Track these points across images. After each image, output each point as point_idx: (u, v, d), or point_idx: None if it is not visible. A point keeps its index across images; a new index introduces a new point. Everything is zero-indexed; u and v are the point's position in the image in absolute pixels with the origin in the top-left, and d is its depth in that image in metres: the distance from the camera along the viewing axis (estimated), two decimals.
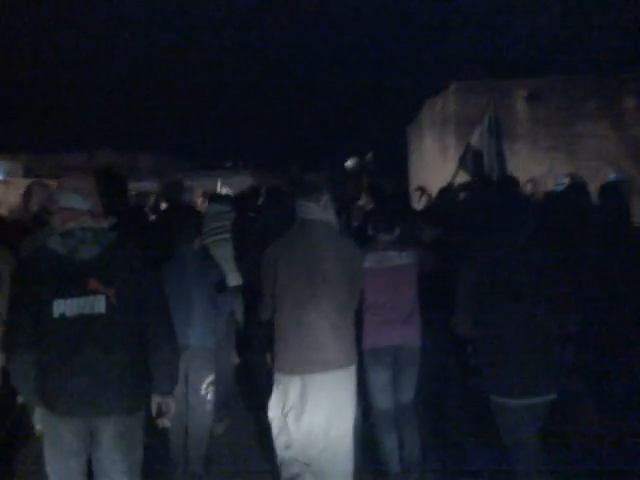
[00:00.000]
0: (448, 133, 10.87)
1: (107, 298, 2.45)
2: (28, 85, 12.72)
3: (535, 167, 9.47)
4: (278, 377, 3.19)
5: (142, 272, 2.56)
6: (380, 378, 3.79)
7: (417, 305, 3.82)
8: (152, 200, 7.77)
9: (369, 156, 11.35)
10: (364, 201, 6.38)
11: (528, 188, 6.90)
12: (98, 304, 2.44)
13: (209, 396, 3.91)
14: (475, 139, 6.62)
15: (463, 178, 6.52)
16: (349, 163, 11.37)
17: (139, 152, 20.63)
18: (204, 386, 3.89)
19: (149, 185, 11.55)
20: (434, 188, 6.80)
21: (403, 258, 3.83)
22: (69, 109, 13.98)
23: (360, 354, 3.50)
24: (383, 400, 3.79)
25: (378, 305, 3.76)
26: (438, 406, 4.51)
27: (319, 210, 3.10)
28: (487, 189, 4.97)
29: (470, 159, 6.59)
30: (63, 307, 2.41)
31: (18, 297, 2.47)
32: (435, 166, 11.50)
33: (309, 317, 3.05)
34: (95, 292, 2.44)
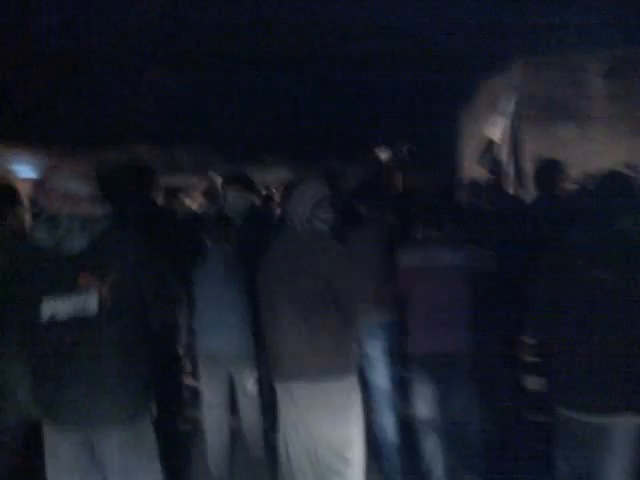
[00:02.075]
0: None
1: (100, 295, 2.21)
2: (62, 78, 12.65)
3: (613, 155, 8.36)
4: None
5: (142, 263, 2.26)
6: (424, 387, 3.61)
7: (468, 309, 3.61)
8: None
9: (406, 146, 10.48)
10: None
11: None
12: (91, 302, 2.22)
13: (256, 393, 3.85)
14: (494, 130, 6.09)
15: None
16: (382, 155, 10.49)
17: (177, 146, 20.58)
18: (250, 385, 3.82)
19: (185, 179, 11.50)
20: None
21: (454, 257, 3.59)
22: (105, 102, 13.87)
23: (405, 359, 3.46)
24: (426, 410, 3.63)
25: (425, 309, 3.57)
26: (488, 420, 4.15)
27: (303, 215, 2.98)
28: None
29: (489, 155, 6.09)
30: (53, 308, 2.20)
31: (6, 301, 2.28)
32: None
33: (281, 326, 2.96)
34: (87, 288, 2.21)
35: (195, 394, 4.56)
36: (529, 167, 5.90)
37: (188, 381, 4.59)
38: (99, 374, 2.23)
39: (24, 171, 12.05)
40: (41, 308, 2.19)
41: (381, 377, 4.08)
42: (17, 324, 2.25)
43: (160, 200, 5.31)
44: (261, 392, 3.99)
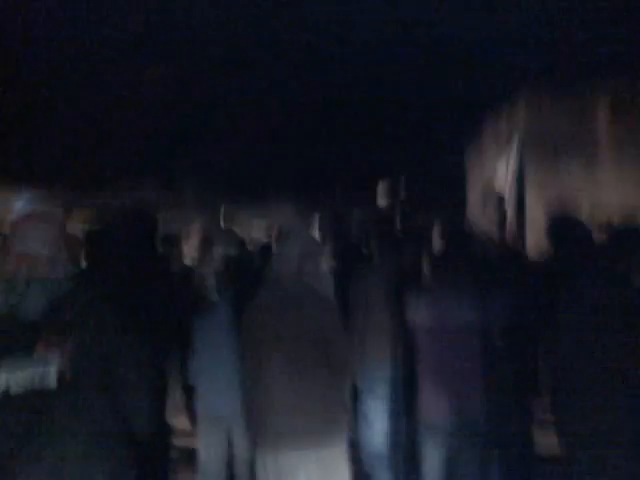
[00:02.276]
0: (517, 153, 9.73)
1: (58, 368, 1.96)
2: (70, 119, 12.63)
3: (621, 191, 7.55)
4: None
5: (105, 329, 2.05)
6: (432, 456, 3.33)
7: (483, 370, 3.32)
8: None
9: (401, 181, 10.00)
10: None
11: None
12: (48, 377, 1.96)
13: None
14: (497, 181, 5.85)
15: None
16: (380, 190, 9.93)
17: (182, 184, 20.53)
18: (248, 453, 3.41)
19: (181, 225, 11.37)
20: None
21: (467, 313, 3.29)
22: (114, 142, 13.80)
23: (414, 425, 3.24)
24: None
25: (435, 369, 3.30)
26: None
27: (289, 268, 2.85)
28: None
29: (493, 203, 5.87)
30: (6, 382, 1.95)
31: None
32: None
33: (265, 388, 2.77)
34: (45, 358, 1.96)
35: (189, 456, 4.26)
36: (537, 217, 5.64)
37: (182, 442, 4.27)
38: (58, 458, 1.94)
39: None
40: None
41: (378, 440, 3.79)
42: None
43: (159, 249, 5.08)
44: None
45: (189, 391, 3.65)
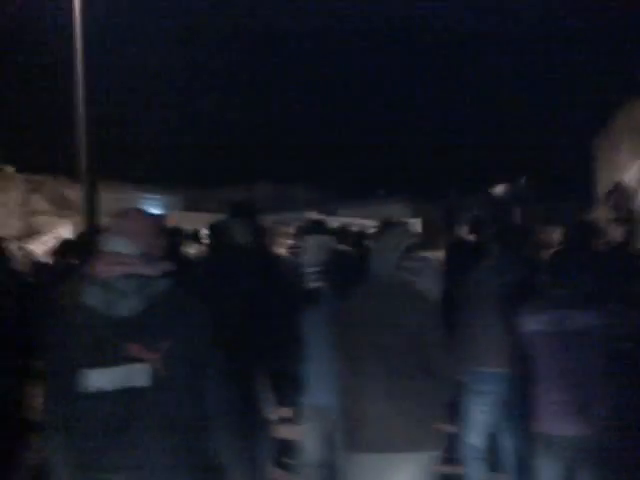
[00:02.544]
0: None
1: (153, 367, 1.92)
2: (191, 121, 13.33)
3: None
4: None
5: (201, 332, 1.99)
6: (549, 472, 3.00)
7: (607, 383, 2.95)
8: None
9: (522, 180, 9.53)
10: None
11: None
12: (140, 375, 1.93)
13: None
14: (633, 177, 5.31)
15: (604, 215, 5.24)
16: (497, 190, 9.60)
17: (294, 184, 21.00)
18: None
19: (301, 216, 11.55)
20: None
21: (588, 318, 2.94)
22: (229, 144, 14.42)
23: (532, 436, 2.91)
24: None
25: (553, 380, 2.95)
26: None
27: (389, 263, 2.73)
28: None
29: (622, 200, 5.33)
30: (99, 379, 1.94)
31: (50, 367, 2.02)
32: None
33: (360, 386, 2.64)
34: (137, 359, 1.93)
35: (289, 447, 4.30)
36: None
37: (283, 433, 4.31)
38: (151, 457, 1.93)
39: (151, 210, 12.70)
40: (84, 377, 1.95)
41: (480, 438, 3.67)
42: (57, 393, 2.00)
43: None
44: None
45: (294, 382, 3.64)
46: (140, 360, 1.92)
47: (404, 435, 2.55)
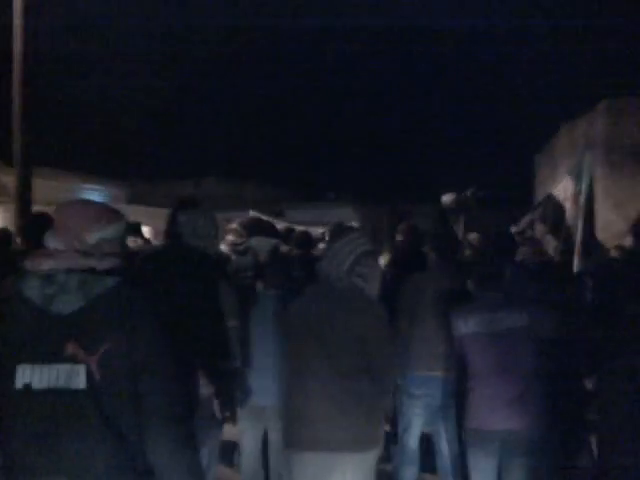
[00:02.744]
0: (594, 162, 9.26)
1: (88, 369, 1.81)
2: (139, 114, 13.03)
3: None
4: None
5: (143, 333, 1.86)
6: (480, 465, 3.17)
7: (534, 380, 3.14)
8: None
9: (470, 190, 9.89)
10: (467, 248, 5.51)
11: None
12: (76, 376, 1.81)
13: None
14: (560, 190, 5.49)
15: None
16: (445, 199, 9.95)
17: (244, 182, 20.83)
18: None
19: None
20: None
21: (516, 320, 3.12)
22: (177, 138, 14.16)
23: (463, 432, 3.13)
24: None
25: (484, 378, 3.13)
26: None
27: (340, 268, 2.78)
28: None
29: (550, 211, 5.51)
30: (29, 376, 1.82)
31: None
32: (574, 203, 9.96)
33: (303, 385, 2.70)
34: (73, 359, 1.81)
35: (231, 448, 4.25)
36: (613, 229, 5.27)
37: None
38: (81, 463, 1.83)
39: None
40: (17, 373, 1.85)
41: (413, 439, 3.78)
42: None
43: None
44: None
45: (233, 378, 3.62)
46: (75, 361, 1.81)
47: (345, 434, 2.58)
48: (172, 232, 3.29)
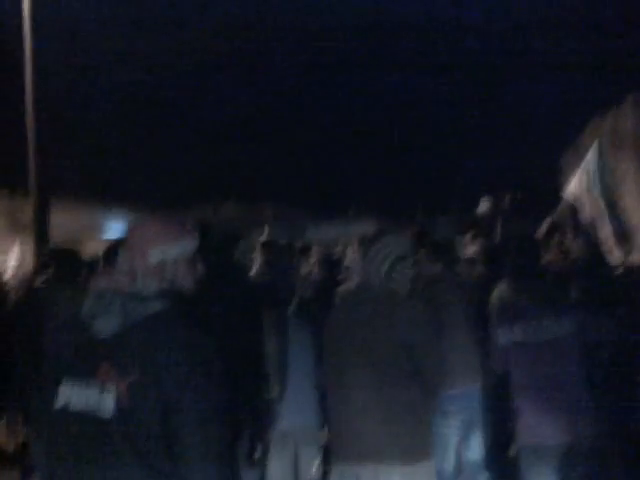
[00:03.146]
0: (625, 159, 9.07)
1: (117, 396, 1.73)
2: (156, 141, 13.08)
3: None
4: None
5: (178, 366, 1.72)
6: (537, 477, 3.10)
7: (587, 389, 3.11)
8: None
9: (506, 196, 10.01)
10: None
11: None
12: (104, 402, 1.75)
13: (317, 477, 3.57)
14: (575, 186, 5.34)
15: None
16: (481, 204, 10.11)
17: (262, 203, 20.86)
18: (314, 468, 3.55)
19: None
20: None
21: (562, 327, 3.07)
22: (193, 163, 14.20)
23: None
24: None
25: (533, 390, 3.08)
26: None
27: (379, 273, 2.74)
28: None
29: (566, 214, 5.36)
30: (68, 396, 1.79)
31: (36, 372, 1.99)
32: None
33: (349, 396, 2.66)
34: (103, 384, 1.75)
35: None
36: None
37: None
38: None
39: (113, 231, 12.35)
40: (58, 391, 1.82)
41: (449, 463, 3.67)
42: (35, 407, 1.98)
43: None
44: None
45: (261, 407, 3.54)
46: (104, 386, 1.74)
47: (393, 445, 2.55)
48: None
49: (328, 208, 16.87)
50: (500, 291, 3.49)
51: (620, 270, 4.10)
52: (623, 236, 4.91)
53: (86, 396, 1.77)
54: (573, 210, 5.34)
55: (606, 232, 4.99)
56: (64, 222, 9.23)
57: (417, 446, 2.60)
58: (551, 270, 3.66)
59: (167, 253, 1.84)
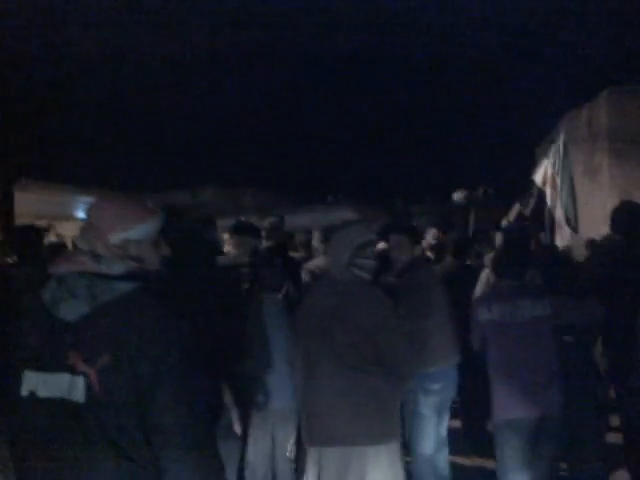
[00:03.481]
0: (598, 151, 9.17)
1: (87, 381, 1.69)
2: (130, 123, 12.84)
3: None
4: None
5: (152, 345, 1.68)
6: (515, 454, 3.32)
7: (557, 366, 3.33)
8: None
9: (480, 188, 10.35)
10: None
11: None
12: (75, 388, 1.70)
13: (292, 456, 3.69)
14: (539, 176, 5.66)
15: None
16: (456, 196, 10.40)
17: (242, 189, 20.71)
18: (289, 447, 3.67)
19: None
20: (582, 221, 5.63)
21: (538, 309, 3.24)
22: (172, 147, 13.98)
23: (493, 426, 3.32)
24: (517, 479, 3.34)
25: (510, 367, 3.30)
26: None
27: (341, 261, 2.81)
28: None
29: (533, 199, 5.65)
30: (34, 383, 1.74)
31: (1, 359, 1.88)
32: (581, 193, 9.78)
33: (315, 382, 2.78)
34: (73, 369, 1.70)
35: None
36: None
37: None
38: (86, 476, 1.68)
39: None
40: (23, 379, 1.76)
41: (428, 440, 3.76)
42: (1, 395, 1.85)
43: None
44: (298, 457, 3.68)
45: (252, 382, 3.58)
46: (74, 372, 1.69)
47: (359, 428, 2.66)
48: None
49: (307, 195, 16.80)
50: (483, 276, 3.88)
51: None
52: (571, 218, 5.24)
53: (55, 382, 1.70)
54: (541, 193, 5.64)
55: (559, 213, 5.32)
56: (33, 205, 9.00)
57: (383, 427, 2.68)
58: (526, 256, 3.78)
59: (129, 234, 1.80)
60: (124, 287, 1.74)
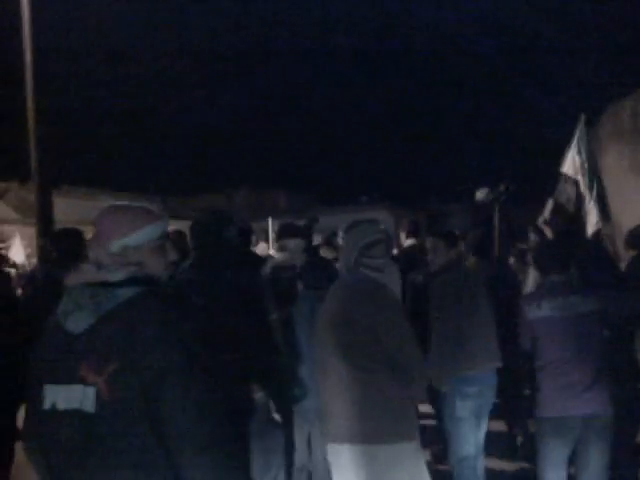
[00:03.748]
0: (612, 148, 8.84)
1: (97, 390, 1.65)
2: (168, 129, 12.99)
3: None
4: None
5: (158, 349, 1.63)
6: (557, 454, 3.18)
7: (605, 362, 3.17)
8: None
9: (503, 185, 10.18)
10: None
11: None
12: (87, 399, 1.67)
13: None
14: (569, 167, 5.51)
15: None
16: (479, 194, 10.23)
17: (276, 190, 20.76)
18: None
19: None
20: (627, 218, 5.45)
21: (588, 304, 3.15)
22: (208, 152, 14.10)
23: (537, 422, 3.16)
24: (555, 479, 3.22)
25: (559, 364, 3.15)
26: None
27: (349, 261, 2.80)
28: None
29: (565, 192, 5.52)
30: (54, 396, 1.72)
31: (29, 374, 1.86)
32: (627, 189, 9.19)
33: (326, 380, 2.77)
34: (84, 381, 1.67)
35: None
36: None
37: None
38: None
39: None
40: (44, 393, 1.77)
41: (467, 445, 3.54)
42: (27, 408, 1.86)
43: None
44: None
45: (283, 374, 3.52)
46: (86, 383, 1.67)
47: (351, 426, 2.63)
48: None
49: (341, 196, 16.73)
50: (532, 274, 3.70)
51: None
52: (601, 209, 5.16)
53: (71, 394, 1.70)
54: (576, 182, 5.54)
55: (587, 205, 5.19)
56: (72, 211, 9.16)
57: (390, 428, 2.62)
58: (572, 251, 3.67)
59: (127, 241, 1.77)
60: (125, 293, 1.73)
